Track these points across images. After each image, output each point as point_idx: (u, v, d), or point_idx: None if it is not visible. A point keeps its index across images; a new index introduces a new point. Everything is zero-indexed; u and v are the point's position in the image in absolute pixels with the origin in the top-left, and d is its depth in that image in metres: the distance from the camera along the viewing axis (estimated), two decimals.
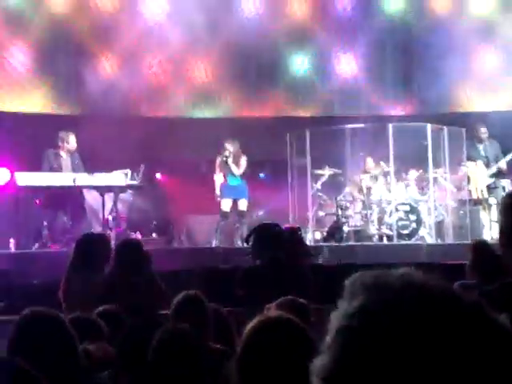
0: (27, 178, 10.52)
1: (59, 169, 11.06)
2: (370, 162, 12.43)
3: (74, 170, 11.13)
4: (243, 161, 11.86)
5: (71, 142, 11.22)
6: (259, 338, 2.42)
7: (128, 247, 6.25)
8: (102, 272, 6.16)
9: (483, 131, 12.40)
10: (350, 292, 1.08)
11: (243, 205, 11.96)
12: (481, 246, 5.98)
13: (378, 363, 1.00)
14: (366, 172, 12.36)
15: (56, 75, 13.53)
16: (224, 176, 11.93)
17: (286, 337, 2.39)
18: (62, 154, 11.21)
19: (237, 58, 14.09)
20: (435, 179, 12.19)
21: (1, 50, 13.15)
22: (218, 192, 11.99)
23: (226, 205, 11.86)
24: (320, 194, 12.40)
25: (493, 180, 12.24)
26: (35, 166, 11.15)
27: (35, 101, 13.46)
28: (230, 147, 11.83)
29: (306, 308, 4.17)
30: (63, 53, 13.57)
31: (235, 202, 11.93)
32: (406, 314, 1.02)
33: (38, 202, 11.01)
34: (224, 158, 11.79)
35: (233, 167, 11.83)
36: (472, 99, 14.59)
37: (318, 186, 12.31)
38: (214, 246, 11.37)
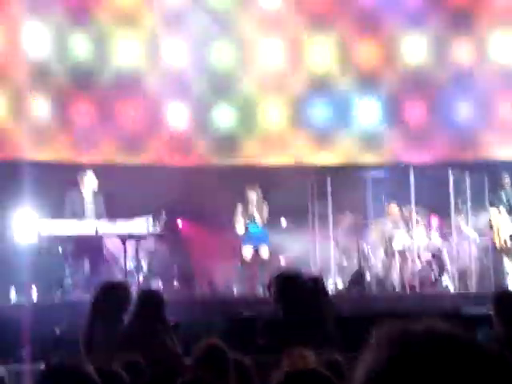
0: (49, 227, 10.54)
1: (82, 213, 11.05)
2: (393, 208, 12.36)
3: (98, 216, 11.13)
4: (265, 209, 11.87)
5: (87, 180, 11.24)
6: None
7: (149, 297, 6.21)
8: (122, 321, 6.12)
9: (505, 177, 12.38)
10: (376, 345, 1.08)
11: (265, 252, 11.90)
12: (504, 296, 5.91)
13: None
14: (388, 219, 12.29)
15: (76, 123, 13.63)
16: (245, 225, 11.90)
17: None
18: (86, 197, 11.24)
19: None
20: (458, 226, 12.11)
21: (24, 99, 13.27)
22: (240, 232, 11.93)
23: (247, 252, 11.82)
24: (342, 240, 12.34)
25: None
26: (57, 213, 11.20)
27: (56, 148, 13.54)
28: (252, 195, 11.83)
29: (339, 364, 4.10)
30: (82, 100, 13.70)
31: (256, 250, 11.87)
32: (432, 368, 1.01)
33: (60, 249, 11.02)
34: (249, 207, 11.74)
35: (256, 216, 11.80)
36: (495, 147, 14.53)
37: (340, 232, 12.26)
38: (235, 294, 11.32)
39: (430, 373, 1.01)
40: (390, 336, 1.08)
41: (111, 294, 6.27)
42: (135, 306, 6.08)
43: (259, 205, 11.85)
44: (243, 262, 11.78)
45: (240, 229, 11.91)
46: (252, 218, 11.83)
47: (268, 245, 11.94)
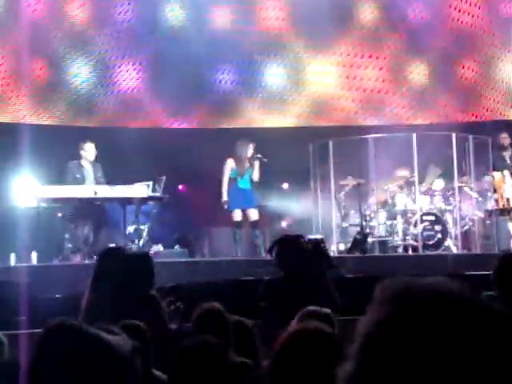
0: (49, 191, 10.53)
1: (82, 179, 11.11)
2: (403, 172, 12.27)
3: (97, 181, 11.18)
4: (258, 166, 11.69)
5: (88, 149, 11.27)
6: (296, 348, 2.38)
7: (139, 262, 6.06)
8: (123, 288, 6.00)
9: (504, 136, 12.32)
10: (380, 299, 1.06)
11: (254, 214, 11.70)
12: (509, 257, 5.83)
13: (405, 372, 0.98)
14: (391, 182, 12.22)
15: (76, 87, 13.56)
16: (235, 178, 11.68)
17: (323, 349, 2.34)
18: (85, 164, 11.26)
19: None
20: (460, 189, 12.06)
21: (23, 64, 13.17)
22: (225, 197, 11.63)
23: (237, 215, 11.66)
24: (344, 204, 12.30)
25: None
26: (57, 178, 11.19)
27: (56, 113, 13.48)
28: (251, 148, 11.65)
29: (331, 318, 4.08)
30: (82, 64, 13.61)
31: (245, 212, 11.75)
32: (436, 324, 1.00)
33: (59, 214, 11.01)
34: (256, 158, 11.52)
35: (256, 170, 11.64)
36: (498, 108, 14.45)
37: (342, 196, 12.22)
38: (237, 256, 11.28)
39: (435, 327, 0.99)
40: (394, 291, 1.06)
41: (112, 260, 6.17)
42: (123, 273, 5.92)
43: (252, 159, 11.61)
44: (235, 224, 11.63)
45: (225, 184, 11.65)
46: (249, 174, 11.61)
47: (256, 207, 11.74)
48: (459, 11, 14.35)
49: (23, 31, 12.71)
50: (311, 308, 4.08)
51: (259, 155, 11.53)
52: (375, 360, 1.01)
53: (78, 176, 11.14)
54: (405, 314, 1.01)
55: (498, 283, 5.46)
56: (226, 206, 11.60)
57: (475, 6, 14.32)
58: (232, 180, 11.60)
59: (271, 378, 2.38)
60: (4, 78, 13.13)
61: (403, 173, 12.24)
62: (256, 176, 11.60)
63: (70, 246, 10.86)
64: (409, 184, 12.06)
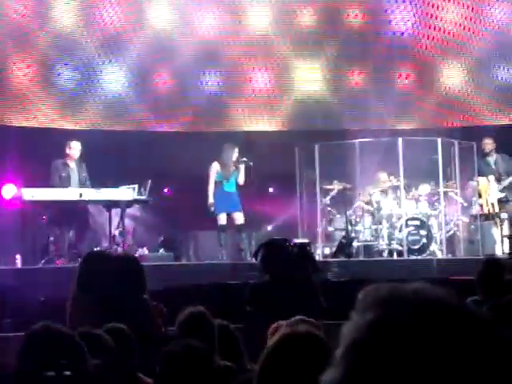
0: (33, 193, 10.48)
1: (67, 178, 11.05)
2: (382, 176, 12.32)
3: (81, 181, 11.13)
4: (243, 169, 11.71)
5: (73, 147, 11.23)
6: (286, 351, 2.36)
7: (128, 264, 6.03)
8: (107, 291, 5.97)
9: (487, 142, 12.36)
10: (363, 305, 1.05)
11: (240, 218, 11.67)
12: (492, 262, 5.85)
13: (388, 379, 0.97)
14: (376, 186, 12.26)
15: (62, 89, 13.53)
16: (220, 182, 11.68)
17: (314, 353, 2.33)
18: (70, 163, 11.23)
19: None
20: (446, 194, 12.10)
21: (5, 63, 13.12)
22: (211, 200, 11.59)
23: (222, 218, 11.63)
24: (329, 208, 12.33)
25: (504, 194, 12.14)
26: (42, 181, 11.14)
27: (41, 115, 13.43)
28: (236, 152, 11.65)
29: (317, 327, 4.07)
30: (68, 66, 13.56)
31: (230, 216, 11.73)
32: (420, 330, 0.99)
33: (44, 217, 10.96)
34: (242, 161, 11.52)
35: (241, 173, 11.64)
36: (484, 113, 14.50)
37: (327, 200, 12.24)
38: (222, 260, 11.27)
39: (419, 334, 0.98)
40: (378, 297, 1.05)
41: (96, 264, 6.13)
42: (113, 275, 5.91)
43: (238, 163, 11.60)
44: (220, 228, 11.61)
45: (211, 187, 11.67)
46: (234, 177, 11.61)
47: (240, 210, 11.72)
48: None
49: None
50: (298, 318, 4.07)
51: (244, 159, 11.53)
52: (360, 366, 1.00)
53: (63, 175, 11.09)
54: (389, 320, 1.00)
55: (482, 288, 5.47)
56: (212, 209, 11.58)
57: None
58: (217, 183, 11.59)
59: (260, 383, 2.36)
60: None
61: (383, 176, 12.29)
62: (241, 179, 11.59)
63: (54, 248, 10.81)
64: (394, 189, 12.10)
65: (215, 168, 11.61)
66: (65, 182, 11.01)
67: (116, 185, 10.93)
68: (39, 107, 13.39)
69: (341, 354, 1.03)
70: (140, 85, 13.89)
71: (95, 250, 7.47)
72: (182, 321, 4.22)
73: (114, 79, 13.82)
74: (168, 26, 13.96)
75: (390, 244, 11.78)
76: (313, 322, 4.06)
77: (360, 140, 12.59)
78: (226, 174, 11.57)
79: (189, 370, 3.22)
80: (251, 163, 11.50)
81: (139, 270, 5.72)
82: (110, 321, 4.60)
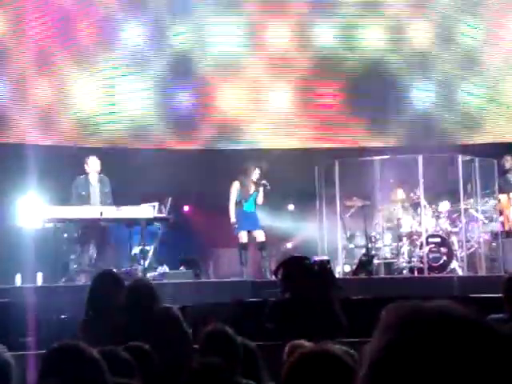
0: (54, 212, 10.52)
1: (87, 196, 11.07)
2: (400, 193, 12.31)
3: (102, 198, 11.15)
4: (262, 191, 11.76)
5: (91, 163, 11.25)
6: (308, 369, 2.34)
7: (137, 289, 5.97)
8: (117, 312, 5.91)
9: (507, 159, 12.32)
10: (384, 324, 1.04)
11: (261, 236, 11.78)
12: None
13: None
14: (396, 203, 12.22)
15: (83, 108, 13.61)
16: (240, 202, 11.75)
17: (334, 372, 2.31)
18: (91, 180, 11.24)
19: None
20: (466, 211, 12.04)
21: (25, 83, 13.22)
22: (233, 219, 11.73)
23: (243, 236, 11.74)
24: (349, 225, 12.29)
25: None
26: (62, 198, 11.19)
27: (62, 133, 13.50)
28: (257, 172, 11.77)
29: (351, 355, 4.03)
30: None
31: (251, 234, 11.79)
32: (442, 350, 0.98)
33: (65, 235, 10.99)
34: (261, 184, 11.61)
35: (260, 194, 11.72)
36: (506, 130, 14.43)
37: (347, 217, 12.22)
38: (244, 278, 11.28)
39: (443, 352, 0.97)
40: (400, 315, 1.04)
41: (106, 284, 6.11)
42: (127, 297, 5.86)
43: (257, 185, 11.71)
44: (241, 246, 11.69)
45: (233, 206, 11.75)
46: (253, 198, 11.72)
47: (261, 228, 11.79)
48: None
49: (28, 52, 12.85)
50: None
51: (264, 181, 11.64)
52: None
53: (83, 193, 11.11)
54: (412, 339, 1.00)
55: (507, 305, 5.43)
56: (236, 226, 11.68)
57: None
58: (237, 203, 11.71)
59: None
60: (7, 99, 13.16)
61: (401, 193, 12.25)
62: (260, 201, 11.75)
63: (75, 266, 10.84)
64: (414, 206, 12.05)
65: (235, 187, 11.73)
66: (85, 200, 11.04)
67: (136, 203, 10.98)
68: (57, 125, 13.46)
69: (363, 373, 1.02)
70: (161, 104, 13.93)
71: (106, 270, 7.32)
72: (205, 338, 4.22)
73: (135, 98, 13.89)
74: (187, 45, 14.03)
75: (410, 261, 11.72)
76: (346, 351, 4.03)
77: (380, 157, 12.57)
78: (245, 195, 11.69)
79: None
80: (269, 187, 11.60)
81: (152, 293, 5.68)
82: (132, 339, 4.59)
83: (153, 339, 4.52)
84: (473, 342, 0.99)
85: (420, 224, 11.83)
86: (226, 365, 3.40)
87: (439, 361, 0.97)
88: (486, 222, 12.23)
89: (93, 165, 11.30)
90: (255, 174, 11.76)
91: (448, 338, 0.99)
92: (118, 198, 11.37)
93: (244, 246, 11.69)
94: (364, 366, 1.02)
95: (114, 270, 7.90)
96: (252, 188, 11.75)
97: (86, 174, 11.29)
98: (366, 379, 1.01)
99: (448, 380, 0.96)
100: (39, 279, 10.77)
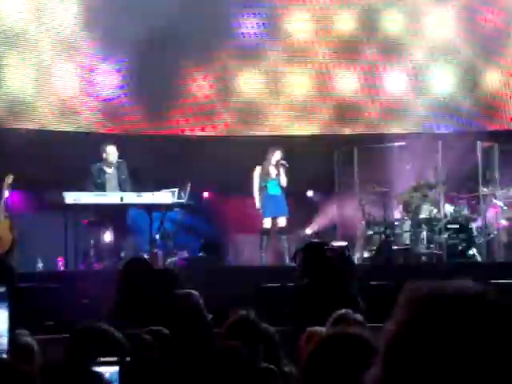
0: (75, 197, 10.56)
1: (102, 185, 11.07)
2: (418, 179, 12.26)
3: (120, 184, 11.16)
4: (283, 172, 11.80)
5: (109, 151, 11.24)
6: (332, 352, 2.34)
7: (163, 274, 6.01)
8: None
9: None
10: (406, 302, 1.07)
11: (282, 222, 11.86)
12: None
13: (431, 374, 0.98)
14: (415, 190, 12.18)
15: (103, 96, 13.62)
16: (264, 186, 11.81)
17: (356, 353, 2.30)
18: (107, 168, 11.25)
19: None
20: (486, 197, 12.00)
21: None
22: (258, 204, 11.87)
23: (267, 222, 11.82)
24: (368, 211, 12.28)
25: None
26: (83, 184, 11.23)
27: (82, 120, 13.54)
28: (277, 155, 11.80)
29: (363, 325, 4.07)
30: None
31: (275, 219, 11.87)
32: (462, 326, 1.00)
33: (85, 221, 11.03)
34: (280, 164, 11.67)
35: (283, 175, 11.74)
36: None
37: (367, 203, 12.21)
38: (260, 263, 11.33)
39: (462, 330, 1.00)
40: (421, 293, 1.07)
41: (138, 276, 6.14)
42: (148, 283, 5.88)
43: (278, 166, 11.75)
44: (264, 231, 11.76)
45: (256, 191, 11.80)
46: (278, 179, 11.76)
47: (286, 214, 11.84)
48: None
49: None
50: (342, 312, 4.08)
51: (282, 161, 11.66)
52: (397, 364, 1.01)
53: (98, 181, 11.10)
54: (432, 317, 1.01)
55: None
56: (261, 211, 11.81)
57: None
58: (262, 188, 11.76)
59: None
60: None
61: (424, 181, 12.20)
62: (283, 181, 11.74)
63: (95, 252, 10.90)
64: (433, 192, 12.02)
65: (257, 173, 11.79)
66: (100, 189, 11.03)
67: (156, 189, 11.01)
68: (80, 112, 13.51)
69: (382, 351, 1.04)
70: (178, 89, 13.90)
71: (135, 257, 7.37)
72: (230, 324, 4.24)
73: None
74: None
75: (429, 248, 11.71)
76: (358, 320, 4.07)
77: (399, 143, 12.54)
78: (265, 178, 11.73)
79: (232, 372, 3.25)
80: (287, 165, 11.63)
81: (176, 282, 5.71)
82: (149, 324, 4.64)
83: (173, 325, 4.56)
84: (492, 319, 1.00)
85: (439, 210, 11.80)
86: (249, 349, 3.43)
87: (457, 338, 0.99)
88: (505, 208, 12.18)
89: (111, 154, 11.28)
90: (276, 156, 11.80)
91: (467, 316, 1.01)
92: (138, 184, 11.38)
93: (266, 232, 11.78)
94: (383, 344, 1.05)
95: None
96: (273, 171, 11.79)
97: (102, 161, 11.28)
98: (383, 357, 1.04)
99: (466, 357, 0.98)
100: (61, 264, 10.86)
